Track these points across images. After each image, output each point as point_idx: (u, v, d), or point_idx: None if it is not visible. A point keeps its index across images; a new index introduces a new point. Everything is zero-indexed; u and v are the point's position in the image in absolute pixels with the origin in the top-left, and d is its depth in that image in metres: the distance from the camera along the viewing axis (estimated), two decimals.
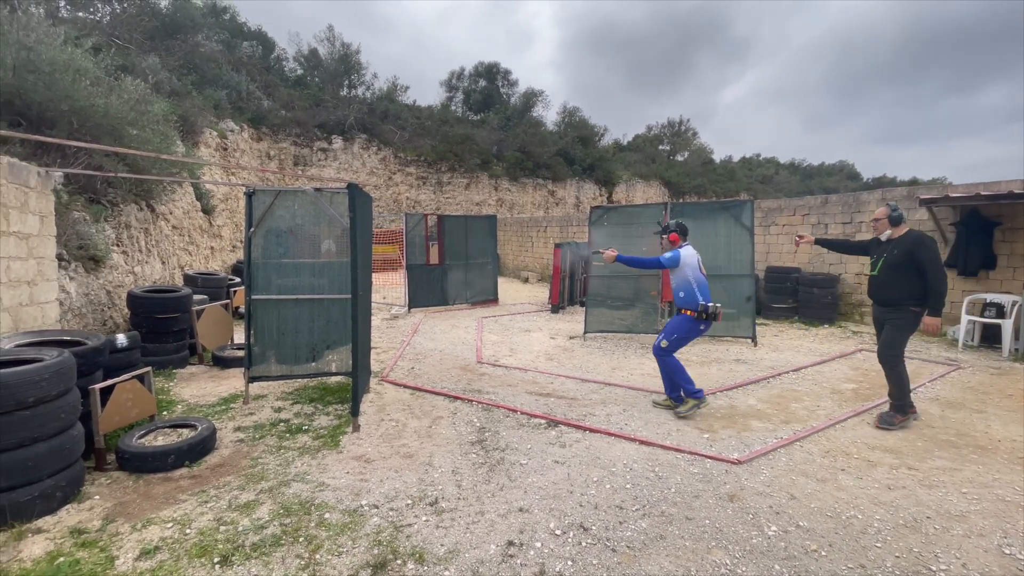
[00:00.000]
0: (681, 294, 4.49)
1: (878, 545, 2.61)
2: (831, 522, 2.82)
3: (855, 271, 9.15)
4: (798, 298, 9.42)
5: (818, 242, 4.94)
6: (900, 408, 4.19)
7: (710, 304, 4.38)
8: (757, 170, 44.09)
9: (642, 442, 3.86)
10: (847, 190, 36.60)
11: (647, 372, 5.90)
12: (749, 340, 7.39)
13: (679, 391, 4.51)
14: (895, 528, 2.76)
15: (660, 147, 38.66)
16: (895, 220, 4.20)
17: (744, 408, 4.68)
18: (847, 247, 4.88)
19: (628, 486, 3.20)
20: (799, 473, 3.39)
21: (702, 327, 4.46)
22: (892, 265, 4.13)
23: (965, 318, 7.14)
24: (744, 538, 2.66)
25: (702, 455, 3.62)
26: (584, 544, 2.60)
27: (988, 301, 7.10)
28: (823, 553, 2.54)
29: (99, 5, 13.94)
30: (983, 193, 6.80)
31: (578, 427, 4.16)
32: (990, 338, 7.14)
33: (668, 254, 4.55)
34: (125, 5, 14.50)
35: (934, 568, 2.43)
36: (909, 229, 4.20)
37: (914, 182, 44.67)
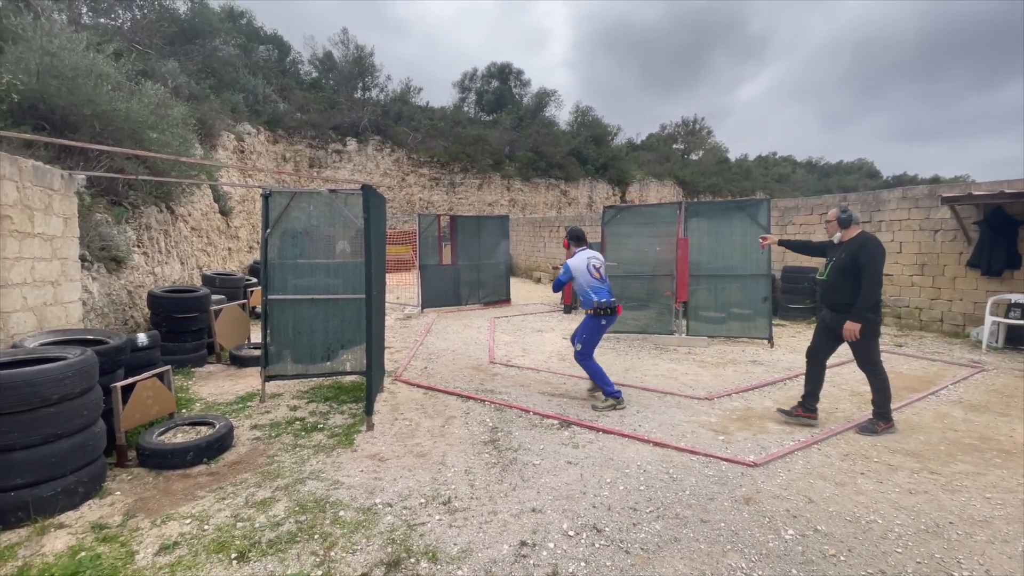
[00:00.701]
0: (581, 298, 4.85)
1: (899, 550, 2.55)
2: (850, 526, 2.76)
3: None
4: (816, 298, 9.27)
5: (781, 243, 4.85)
6: (883, 415, 4.11)
7: (603, 300, 4.67)
8: (773, 169, 43.52)
9: (656, 443, 3.83)
10: (866, 188, 35.95)
11: (661, 373, 5.85)
12: (765, 341, 7.29)
13: (612, 386, 4.69)
14: (916, 533, 2.70)
15: (674, 146, 38.39)
16: (844, 222, 4.09)
17: (760, 410, 4.61)
18: (807, 248, 4.70)
19: (642, 488, 3.18)
20: (817, 476, 3.33)
21: (603, 322, 4.74)
22: (839, 268, 4.03)
23: (989, 319, 6.96)
24: (760, 542, 2.63)
25: (717, 457, 3.58)
26: (597, 545, 2.59)
27: (1013, 302, 6.91)
28: (842, 558, 2.50)
29: (120, 11, 14.24)
30: (1007, 191, 6.62)
31: (591, 428, 4.14)
32: (1015, 339, 6.95)
33: (563, 269, 4.82)
34: (145, 11, 14.80)
35: (956, 574, 2.37)
36: (860, 231, 4.08)
37: (936, 180, 43.68)
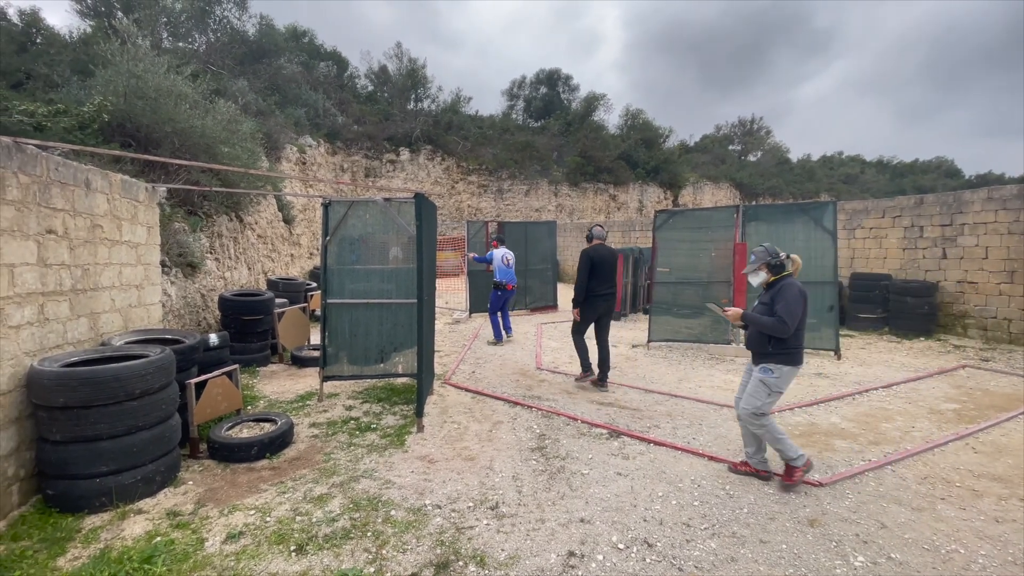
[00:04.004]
0: (497, 276, 8.00)
1: None
2: (928, 555, 2.54)
3: (956, 278, 8.26)
4: (888, 307, 8.65)
5: None
6: (584, 366, 5.62)
7: (496, 279, 7.98)
8: (839, 169, 41.01)
9: (711, 458, 3.68)
10: (946, 189, 33.19)
11: (716, 384, 5.63)
12: (832, 353, 6.86)
13: (499, 335, 7.90)
14: (1003, 565, 2.45)
15: (730, 147, 37.00)
16: (588, 238, 5.60)
17: (826, 426, 4.34)
18: None
19: (696, 503, 3.06)
20: (891, 500, 3.09)
21: (499, 292, 7.95)
22: None
23: None
24: (827, 567, 2.46)
25: (779, 475, 3.39)
26: (648, 560, 2.51)
27: None
28: None
29: (196, 35, 15.40)
30: None
31: (642, 439, 4.03)
32: None
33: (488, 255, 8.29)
34: (218, 34, 15.93)
35: None
36: (597, 244, 5.51)
37: None
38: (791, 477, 3.23)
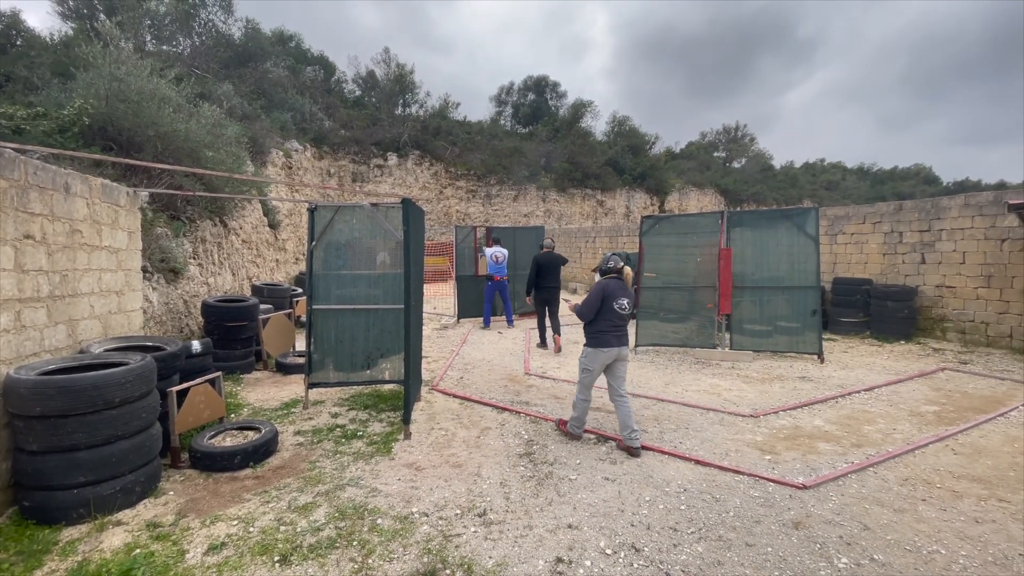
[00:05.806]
0: (487, 269, 9.73)
1: None
2: (910, 556, 2.58)
3: (935, 283, 8.45)
4: (870, 312, 8.80)
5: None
6: (541, 339, 7.89)
7: (487, 273, 9.74)
8: (821, 176, 41.75)
9: (698, 462, 3.70)
10: (924, 195, 33.94)
11: (703, 388, 5.68)
12: (815, 356, 6.97)
13: (487, 322, 9.85)
14: (983, 565, 2.50)
15: (715, 154, 37.52)
16: (539, 248, 7.85)
17: (810, 429, 4.40)
18: None
19: (683, 507, 3.08)
20: (873, 501, 3.14)
21: (488, 283, 9.73)
22: None
23: None
24: (811, 569, 2.49)
25: (764, 478, 3.43)
26: (636, 565, 2.52)
27: None
28: None
29: (180, 38, 15.23)
30: None
31: None
32: None
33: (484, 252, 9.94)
34: (203, 38, 15.78)
35: None
36: (546, 252, 7.85)
37: (1001, 186, 40.73)
38: (563, 423, 4.20)
